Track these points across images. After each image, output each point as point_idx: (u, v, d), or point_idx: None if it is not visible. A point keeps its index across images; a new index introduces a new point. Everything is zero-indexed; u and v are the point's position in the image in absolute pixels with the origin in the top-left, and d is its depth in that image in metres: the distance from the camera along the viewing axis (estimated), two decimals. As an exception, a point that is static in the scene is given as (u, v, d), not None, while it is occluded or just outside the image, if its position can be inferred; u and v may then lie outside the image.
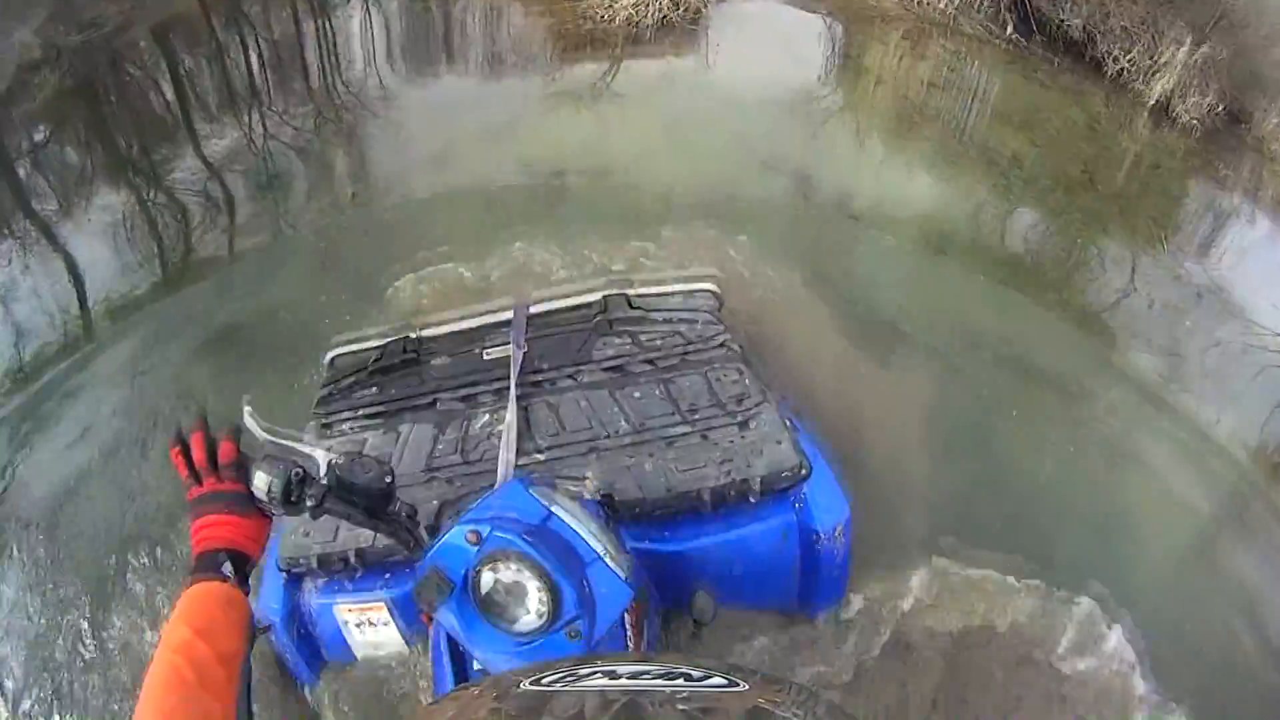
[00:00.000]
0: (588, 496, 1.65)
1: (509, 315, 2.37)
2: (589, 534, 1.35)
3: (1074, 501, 2.92)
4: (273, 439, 1.27)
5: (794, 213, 4.15)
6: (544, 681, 0.65)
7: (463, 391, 2.17)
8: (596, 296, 2.38)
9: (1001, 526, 2.71)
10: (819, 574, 1.80)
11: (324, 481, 1.22)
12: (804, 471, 1.75)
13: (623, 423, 1.94)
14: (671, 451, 1.84)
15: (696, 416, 1.92)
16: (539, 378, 2.14)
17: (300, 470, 1.20)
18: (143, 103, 6.00)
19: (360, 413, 2.20)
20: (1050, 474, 3.03)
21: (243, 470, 1.22)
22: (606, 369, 2.13)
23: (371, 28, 6.55)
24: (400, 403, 2.19)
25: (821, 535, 1.73)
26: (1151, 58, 7.81)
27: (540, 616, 1.19)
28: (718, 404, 1.94)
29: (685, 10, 5.95)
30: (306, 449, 1.25)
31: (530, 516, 1.31)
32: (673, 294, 2.40)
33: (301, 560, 1.82)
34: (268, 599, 1.88)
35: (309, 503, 1.20)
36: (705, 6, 6.08)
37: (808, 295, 3.47)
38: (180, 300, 3.81)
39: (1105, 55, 8.05)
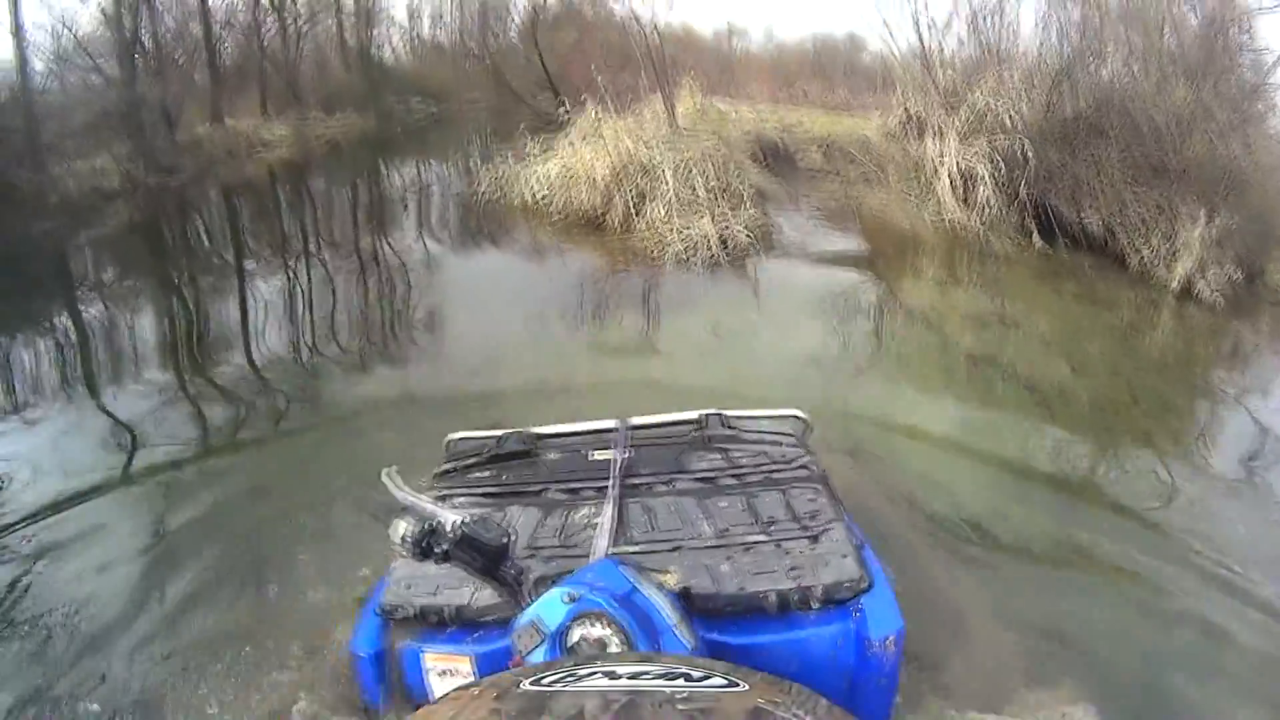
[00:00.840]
0: (669, 587, 1.78)
1: (615, 424, 2.59)
2: (664, 611, 1.51)
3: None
4: (411, 497, 1.45)
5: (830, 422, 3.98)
6: (544, 682, 0.66)
7: (569, 485, 2.34)
8: (696, 415, 2.59)
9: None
10: (869, 683, 1.87)
11: (452, 535, 1.40)
12: (864, 585, 1.86)
13: (706, 528, 2.09)
14: (747, 557, 1.97)
15: (773, 528, 2.06)
16: (638, 481, 2.31)
17: (434, 523, 1.40)
18: (200, 247, 6.41)
19: (475, 491, 2.37)
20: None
21: None
22: (698, 479, 2.31)
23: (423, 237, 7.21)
24: (512, 488, 2.37)
25: (874, 643, 1.82)
26: (1170, 240, 8.20)
27: None
28: (794, 518, 2.09)
29: (733, 250, 6.44)
30: (437, 509, 1.43)
31: (618, 588, 1.47)
32: (764, 418, 2.60)
33: (401, 608, 1.96)
34: (362, 637, 2.02)
35: (438, 550, 1.38)
36: (754, 248, 6.59)
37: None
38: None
39: (1127, 248, 8.52)
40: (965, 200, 8.50)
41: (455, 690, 0.75)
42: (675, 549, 2.03)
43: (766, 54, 23.11)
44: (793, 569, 1.90)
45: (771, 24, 29.39)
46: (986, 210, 8.37)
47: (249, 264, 6.22)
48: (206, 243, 6.65)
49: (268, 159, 13.05)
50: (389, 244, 7.03)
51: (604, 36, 15.24)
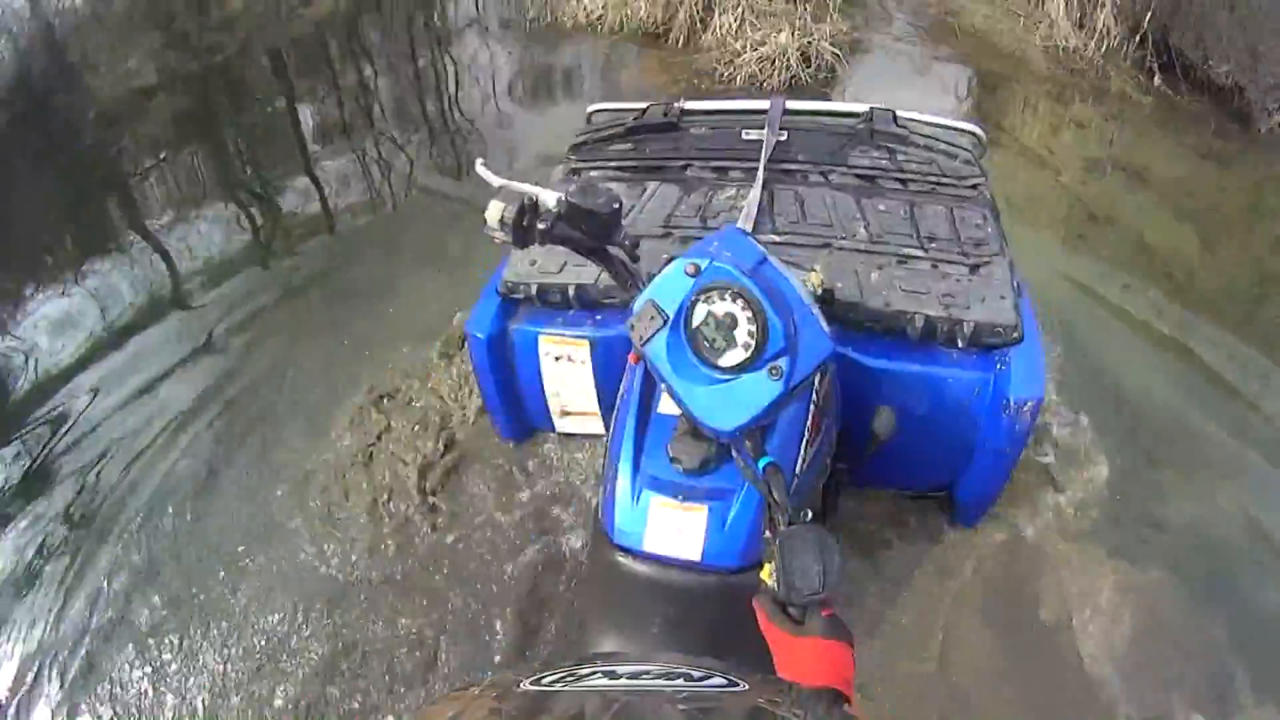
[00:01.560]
0: (812, 285, 1.61)
1: (768, 104, 2.33)
2: (800, 287, 1.34)
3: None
4: (507, 182, 1.27)
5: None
6: (544, 682, 0.64)
7: (715, 163, 2.17)
8: (863, 107, 2.32)
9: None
10: (994, 445, 1.73)
11: (555, 210, 1.25)
12: (1016, 335, 1.71)
13: (861, 230, 1.93)
14: (900, 270, 1.82)
15: (933, 245, 1.89)
16: (792, 167, 2.13)
17: (533, 198, 1.24)
18: (258, 129, 6.05)
19: (612, 164, 2.23)
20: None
21: None
22: (859, 175, 2.11)
23: (490, 60, 6.53)
24: (652, 162, 2.21)
25: (1012, 404, 1.66)
26: None
27: (747, 350, 1.19)
28: (956, 240, 1.91)
29: (818, 69, 5.47)
30: (536, 189, 1.26)
31: (747, 258, 1.29)
32: (938, 125, 2.34)
33: (522, 286, 1.88)
34: (480, 318, 1.94)
35: (541, 226, 1.24)
36: (841, 63, 5.62)
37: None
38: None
39: (1255, 107, 7.40)
40: (1080, 24, 7.13)
41: (455, 690, 0.71)
42: (824, 245, 1.88)
43: None
44: (946, 295, 1.74)
45: None
46: (1105, 39, 7.01)
47: (303, 126, 6.00)
48: (264, 124, 6.27)
49: (311, 16, 11.99)
50: (430, 98, 6.19)
51: None
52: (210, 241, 4.46)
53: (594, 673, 0.66)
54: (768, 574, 1.06)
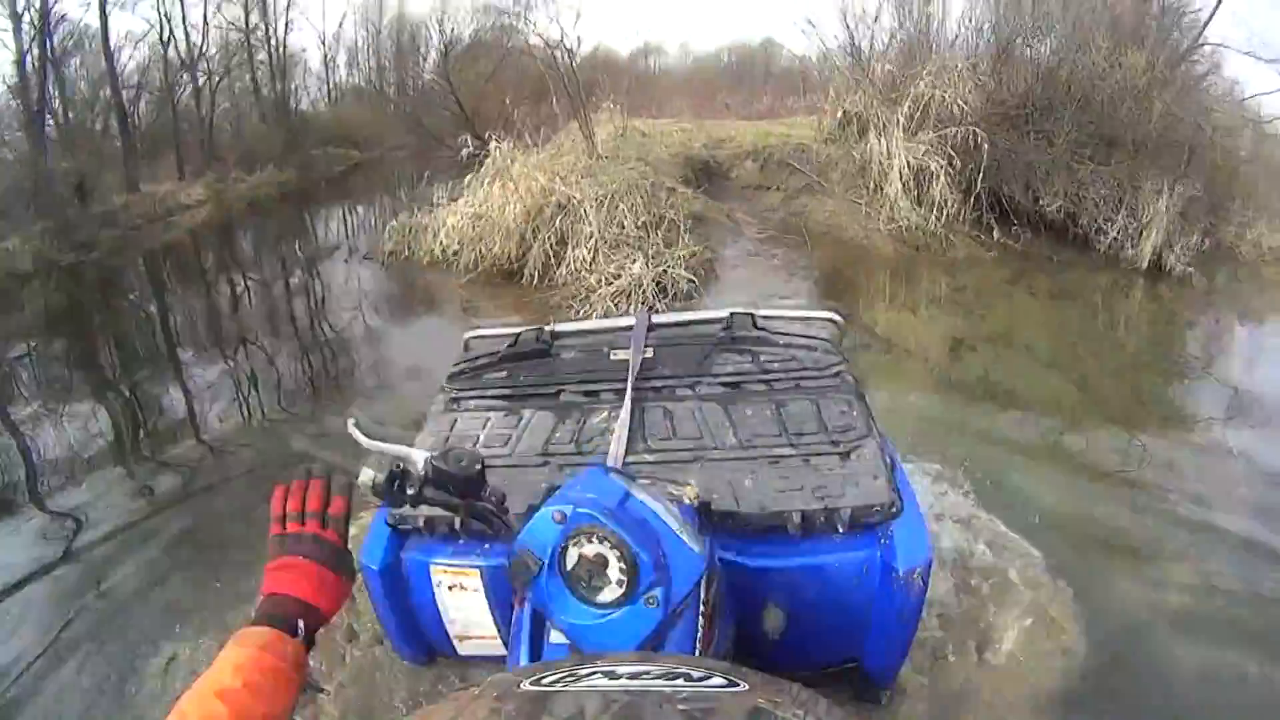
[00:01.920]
0: (686, 501, 1.67)
1: (634, 320, 2.41)
2: (664, 512, 1.38)
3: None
4: (377, 444, 1.32)
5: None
6: (544, 682, 0.65)
7: (586, 386, 2.22)
8: (724, 313, 2.40)
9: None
10: (890, 616, 1.76)
11: (422, 473, 1.27)
12: (894, 509, 1.74)
13: (731, 437, 1.97)
14: (772, 471, 1.86)
15: (801, 440, 1.94)
16: (659, 383, 2.19)
17: (400, 465, 1.26)
18: (129, 329, 5.78)
19: (488, 393, 2.27)
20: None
21: (343, 524, 1.16)
22: (724, 383, 2.17)
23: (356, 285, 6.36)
24: (527, 389, 2.25)
25: (901, 574, 1.70)
26: (1133, 217, 7.70)
27: (620, 585, 1.22)
28: (824, 431, 1.97)
29: (673, 295, 5.44)
30: (405, 451, 1.29)
31: (610, 497, 1.34)
32: (796, 319, 2.42)
33: (409, 520, 1.90)
34: (371, 549, 1.93)
35: (409, 492, 1.26)
36: (698, 286, 5.61)
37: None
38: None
39: (1089, 229, 7.89)
40: (919, 200, 7.61)
41: (455, 691, 0.78)
42: (695, 459, 1.92)
43: (684, 69, 22.56)
44: (819, 487, 1.79)
45: (687, 38, 28.76)
46: (943, 209, 7.48)
47: (173, 331, 5.93)
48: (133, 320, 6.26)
49: (186, 224, 12.35)
50: (280, 329, 5.95)
51: (520, 65, 14.18)
52: (74, 440, 4.08)
53: (594, 673, 0.67)
54: None
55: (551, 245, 5.90)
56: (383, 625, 2.19)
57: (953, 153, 7.53)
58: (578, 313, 5.40)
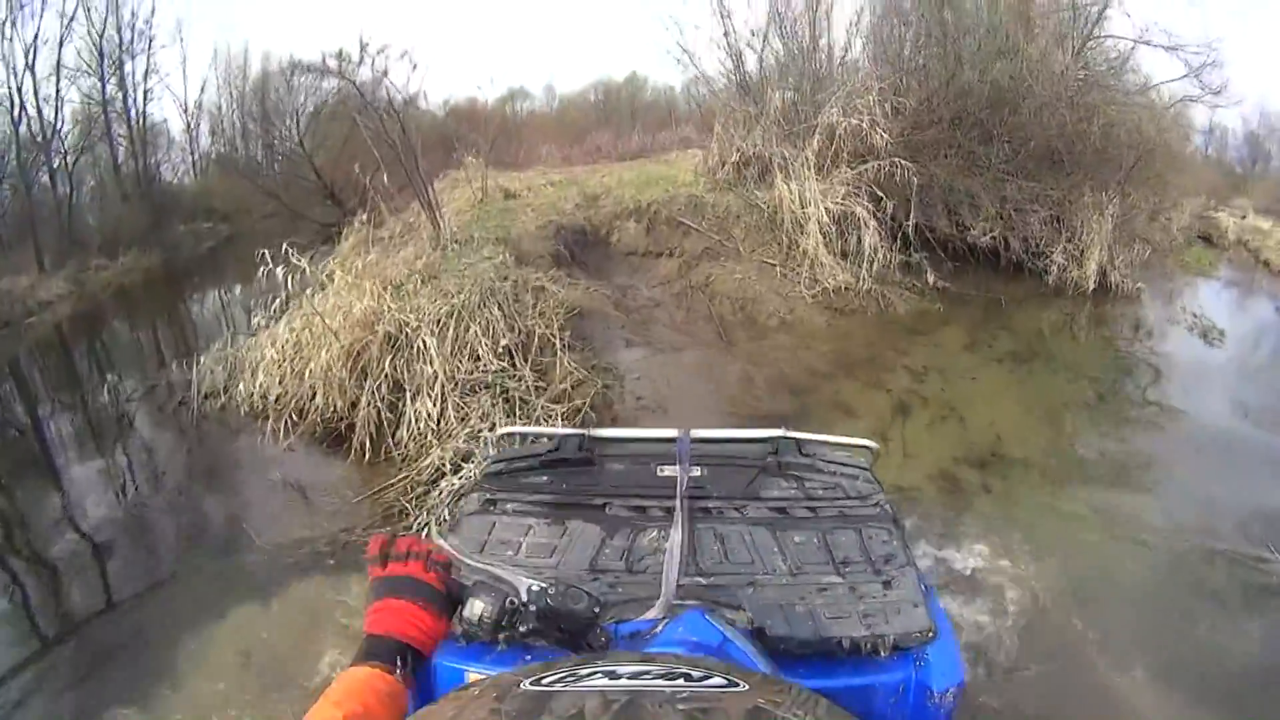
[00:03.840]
0: (740, 626, 1.67)
1: (677, 434, 2.22)
2: (755, 656, 1.44)
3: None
4: (473, 564, 1.35)
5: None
6: (544, 682, 0.64)
7: (634, 502, 2.06)
8: (767, 434, 2.23)
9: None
10: None
11: (533, 609, 1.26)
12: (931, 635, 1.76)
13: (780, 563, 1.93)
14: (820, 598, 1.85)
15: (847, 570, 1.92)
16: (708, 504, 2.06)
17: (514, 600, 1.27)
18: None
19: (529, 498, 2.08)
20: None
21: (444, 569, 1.20)
22: (771, 508, 2.08)
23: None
24: (571, 498, 2.07)
25: (935, 694, 1.71)
26: (1075, 239, 6.90)
27: None
28: (868, 561, 1.93)
29: None
30: (509, 576, 1.34)
31: (710, 640, 1.41)
32: (838, 445, 2.31)
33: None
34: None
35: (521, 629, 1.26)
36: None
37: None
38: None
39: (1025, 254, 6.98)
40: (843, 253, 6.21)
41: (455, 690, 0.73)
42: (749, 584, 1.88)
43: (550, 113, 21.45)
44: (866, 615, 1.81)
45: (552, 80, 27.32)
46: (874, 261, 6.07)
47: None
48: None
49: (41, 327, 10.68)
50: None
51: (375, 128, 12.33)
52: None
53: (594, 673, 0.66)
54: None
55: (384, 396, 4.16)
56: None
57: (878, 191, 6.23)
58: (422, 496, 3.73)
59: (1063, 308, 6.45)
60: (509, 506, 2.09)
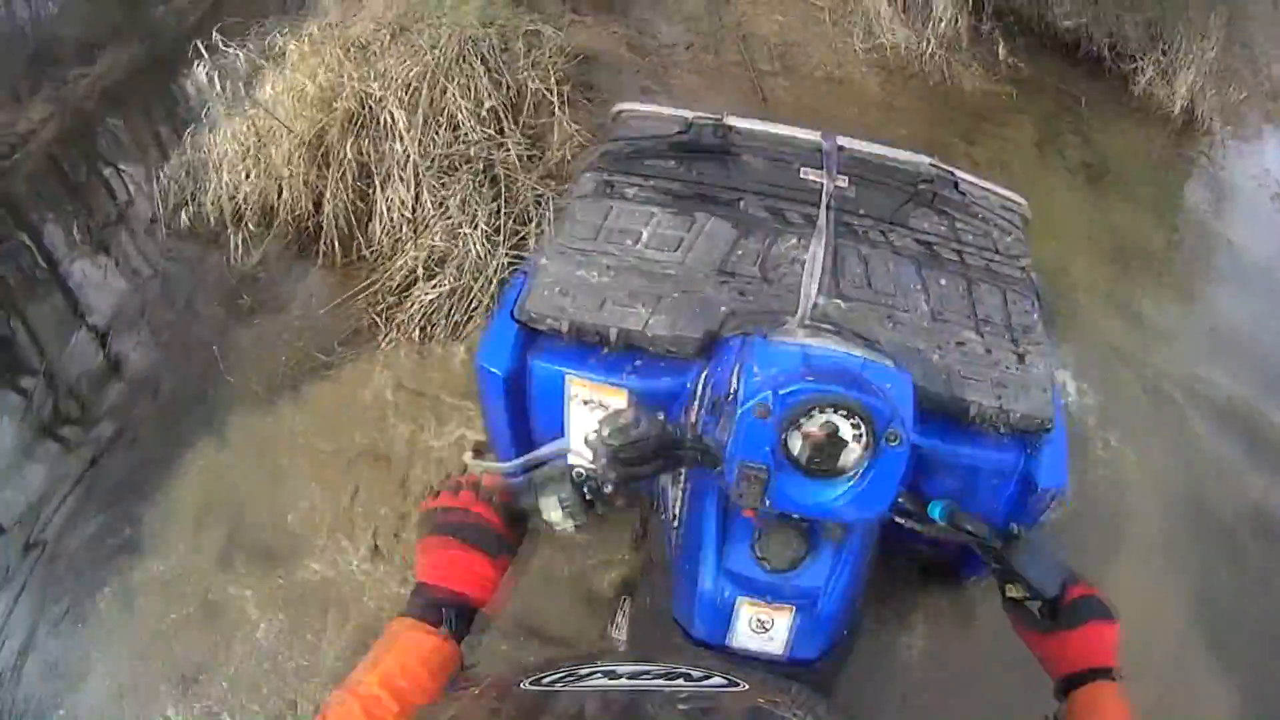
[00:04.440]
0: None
1: (819, 139, 2.11)
2: (850, 346, 1.41)
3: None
4: (521, 465, 1.18)
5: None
6: (544, 681, 0.63)
7: (771, 203, 1.96)
8: (921, 159, 2.15)
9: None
10: (1013, 522, 1.45)
11: (612, 475, 1.09)
12: (1050, 426, 1.69)
13: (923, 303, 1.84)
14: (957, 354, 1.76)
15: (987, 329, 1.83)
16: (852, 221, 1.96)
17: (580, 471, 1.09)
18: None
19: (652, 183, 1.96)
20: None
21: (508, 510, 1.05)
22: (919, 240, 1.97)
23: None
24: (701, 188, 1.96)
25: (1039, 490, 1.67)
26: (1170, 50, 5.53)
27: (859, 441, 1.15)
28: (1007, 325, 1.85)
29: None
30: (557, 447, 1.18)
31: (790, 363, 1.25)
32: (993, 194, 2.20)
33: (551, 320, 1.67)
34: (494, 350, 1.72)
35: (608, 491, 1.10)
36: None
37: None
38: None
39: (1107, 51, 5.56)
40: (904, 7, 5.03)
41: (454, 690, 0.76)
42: (887, 317, 1.78)
43: None
44: (998, 384, 1.72)
45: None
46: (940, 22, 4.92)
47: None
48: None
49: (30, 155, 9.24)
50: None
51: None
52: None
53: (594, 673, 0.64)
54: (1017, 591, 1.17)
55: (351, 185, 3.44)
56: (490, 434, 1.90)
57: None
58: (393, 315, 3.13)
59: (1144, 126, 5.42)
60: (629, 191, 1.93)
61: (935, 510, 1.23)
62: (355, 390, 2.99)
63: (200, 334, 3.42)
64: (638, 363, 1.66)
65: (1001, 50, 5.39)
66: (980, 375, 1.71)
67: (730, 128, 2.12)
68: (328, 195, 3.37)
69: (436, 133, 3.27)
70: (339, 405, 2.96)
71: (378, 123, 3.34)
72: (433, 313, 2.97)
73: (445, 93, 3.30)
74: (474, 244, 2.91)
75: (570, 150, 3.33)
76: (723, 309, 1.61)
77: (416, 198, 3.19)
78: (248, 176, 3.78)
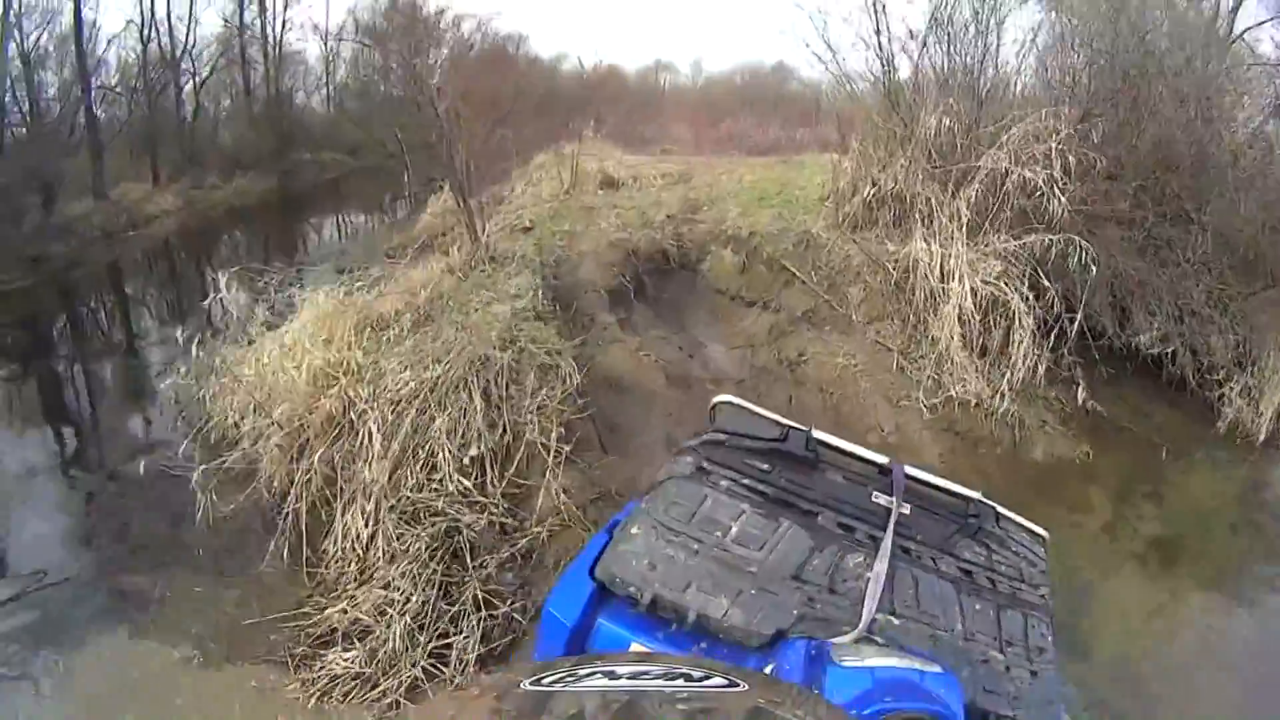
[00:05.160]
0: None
1: (890, 465, 2.24)
2: (899, 659, 1.61)
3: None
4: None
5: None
6: (544, 682, 0.64)
7: (846, 520, 2.11)
8: (972, 494, 2.26)
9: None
10: None
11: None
12: None
13: (959, 624, 1.99)
14: (983, 669, 1.93)
15: (1010, 650, 2.00)
16: (909, 545, 2.11)
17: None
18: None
19: (745, 480, 2.10)
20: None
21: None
22: (961, 568, 2.13)
23: None
24: (786, 495, 2.11)
25: None
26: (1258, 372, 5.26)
27: None
28: (1026, 648, 2.03)
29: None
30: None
31: (862, 683, 1.50)
32: (1024, 528, 2.34)
33: (634, 588, 1.78)
34: (566, 600, 1.82)
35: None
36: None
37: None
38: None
39: (1191, 373, 5.25)
40: (982, 351, 4.67)
41: (454, 690, 0.37)
42: (931, 635, 1.94)
43: (694, 89, 20.76)
44: (1014, 698, 1.90)
45: (701, 55, 25.84)
46: (1018, 369, 4.50)
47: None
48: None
49: (140, 241, 10.89)
50: None
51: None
52: None
53: (594, 673, 0.64)
54: None
55: (318, 489, 3.22)
56: None
57: (1040, 274, 4.66)
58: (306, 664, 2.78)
59: (1232, 472, 4.88)
60: (723, 483, 2.06)
61: None
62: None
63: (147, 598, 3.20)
64: (703, 644, 1.77)
65: (1080, 392, 4.84)
66: (1002, 689, 1.89)
67: (819, 441, 2.23)
68: (291, 494, 3.13)
69: (412, 469, 3.00)
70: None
71: (355, 435, 3.10)
72: (334, 688, 2.66)
73: (433, 423, 3.04)
74: (395, 637, 2.59)
75: (549, 529, 2.99)
76: (794, 612, 1.76)
77: (372, 537, 2.91)
78: (254, 411, 3.61)
